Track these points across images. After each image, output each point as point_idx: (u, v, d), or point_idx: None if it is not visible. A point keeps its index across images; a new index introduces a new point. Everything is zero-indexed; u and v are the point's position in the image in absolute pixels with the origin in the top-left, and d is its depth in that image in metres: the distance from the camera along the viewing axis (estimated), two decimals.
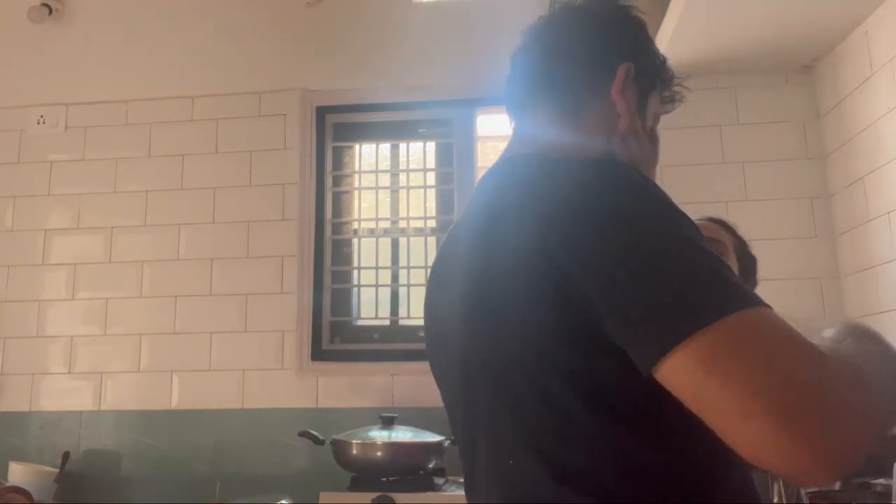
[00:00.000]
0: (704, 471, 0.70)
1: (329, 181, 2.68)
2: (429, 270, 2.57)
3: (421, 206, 2.69)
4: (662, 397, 0.67)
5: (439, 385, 0.96)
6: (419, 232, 2.67)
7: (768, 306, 0.65)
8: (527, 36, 0.95)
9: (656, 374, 0.64)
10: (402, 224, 2.69)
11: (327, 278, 2.61)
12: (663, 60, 0.96)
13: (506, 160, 0.89)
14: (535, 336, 0.71)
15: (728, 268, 0.67)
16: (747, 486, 0.75)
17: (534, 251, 0.69)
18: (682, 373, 0.62)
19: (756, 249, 1.52)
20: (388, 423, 2.15)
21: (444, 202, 2.67)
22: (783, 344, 0.62)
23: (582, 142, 0.88)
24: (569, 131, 0.88)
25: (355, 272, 2.65)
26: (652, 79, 0.92)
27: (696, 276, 0.64)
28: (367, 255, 2.66)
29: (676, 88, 0.97)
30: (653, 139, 0.93)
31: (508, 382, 0.75)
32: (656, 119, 0.95)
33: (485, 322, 0.77)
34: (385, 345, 2.56)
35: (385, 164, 2.77)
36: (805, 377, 0.61)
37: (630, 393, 0.68)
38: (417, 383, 2.41)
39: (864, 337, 0.79)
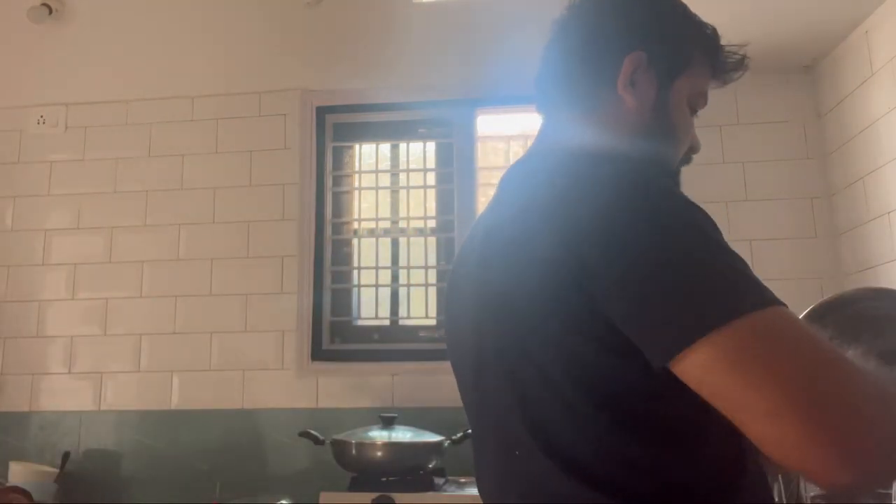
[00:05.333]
0: (714, 472, 0.70)
1: (329, 181, 2.67)
2: (428, 271, 2.59)
3: (421, 206, 2.69)
4: (668, 400, 0.67)
5: (456, 376, 0.96)
6: (419, 232, 2.67)
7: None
8: (552, 31, 0.94)
9: (675, 368, 0.63)
10: (402, 224, 2.69)
11: (327, 278, 2.61)
12: (710, 31, 0.90)
13: (530, 156, 0.90)
14: (548, 330, 0.71)
15: (748, 266, 0.66)
16: (764, 490, 0.74)
17: (557, 250, 0.69)
18: (703, 367, 0.61)
19: (756, 249, 1.52)
20: (388, 423, 2.15)
21: (444, 202, 2.67)
22: (811, 344, 0.61)
23: (601, 140, 0.87)
24: (588, 130, 0.87)
25: (355, 272, 2.65)
26: (677, 61, 0.88)
27: (717, 273, 0.64)
28: (367, 255, 2.66)
29: (732, 57, 0.91)
30: (683, 125, 0.90)
31: (519, 373, 0.75)
32: (697, 99, 0.91)
33: (501, 313, 0.78)
34: (385, 345, 2.56)
35: (385, 164, 2.77)
36: (836, 378, 0.59)
37: (636, 393, 0.69)
38: (417, 383, 2.41)
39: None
